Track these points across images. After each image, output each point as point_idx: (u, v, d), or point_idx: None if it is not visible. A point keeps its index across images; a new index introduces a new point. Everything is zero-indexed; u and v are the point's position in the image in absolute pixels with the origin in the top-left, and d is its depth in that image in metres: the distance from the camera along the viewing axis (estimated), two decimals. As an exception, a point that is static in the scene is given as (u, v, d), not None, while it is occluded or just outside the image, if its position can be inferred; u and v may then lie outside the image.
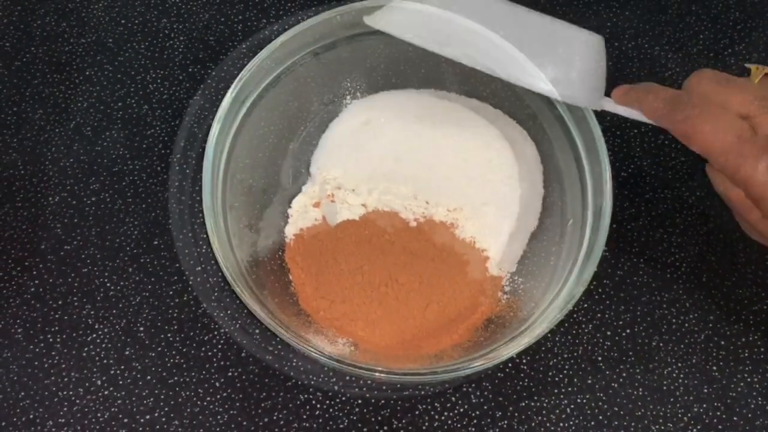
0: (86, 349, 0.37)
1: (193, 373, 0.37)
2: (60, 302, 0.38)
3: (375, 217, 0.38)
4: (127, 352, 0.37)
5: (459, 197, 0.38)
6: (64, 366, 0.37)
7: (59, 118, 0.43)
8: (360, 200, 0.38)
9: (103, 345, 0.38)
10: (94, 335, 0.38)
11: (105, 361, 0.37)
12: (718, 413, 0.37)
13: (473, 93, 0.41)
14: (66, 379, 0.37)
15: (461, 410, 0.37)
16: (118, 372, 0.37)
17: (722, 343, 0.38)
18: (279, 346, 0.37)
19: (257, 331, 0.38)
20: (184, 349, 0.38)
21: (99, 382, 0.37)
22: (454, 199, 0.38)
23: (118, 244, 0.40)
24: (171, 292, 0.39)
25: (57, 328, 0.38)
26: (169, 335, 0.38)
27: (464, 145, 0.39)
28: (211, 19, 0.45)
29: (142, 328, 0.38)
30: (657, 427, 0.37)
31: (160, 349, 0.38)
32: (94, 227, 0.40)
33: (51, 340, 0.38)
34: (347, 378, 0.37)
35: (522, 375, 0.37)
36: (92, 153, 0.42)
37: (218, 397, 0.37)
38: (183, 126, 0.42)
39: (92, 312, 0.38)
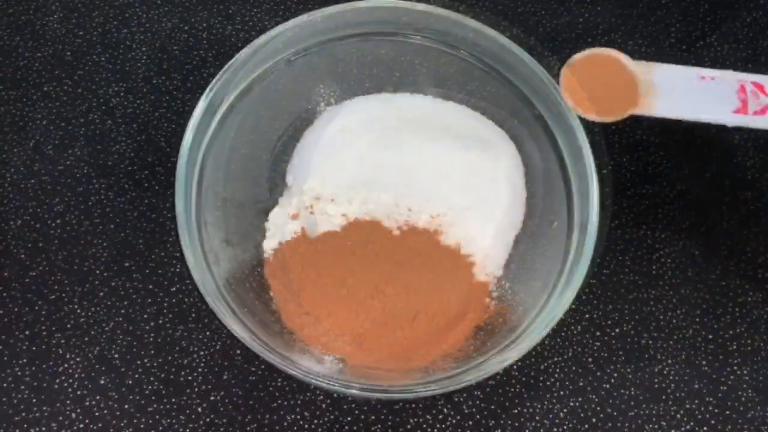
0: (58, 380, 0.35)
1: (173, 400, 0.35)
2: (27, 332, 0.36)
3: (357, 227, 0.36)
4: (102, 381, 0.36)
5: (441, 202, 0.37)
6: (35, 400, 0.35)
7: (17, 137, 0.40)
8: (340, 210, 0.37)
9: (76, 375, 0.36)
10: (66, 365, 0.36)
11: (79, 392, 0.35)
12: (710, 408, 0.37)
13: (449, 95, 0.40)
14: (38, 414, 0.35)
15: (454, 421, 0.36)
16: (93, 403, 0.35)
17: (710, 337, 0.38)
18: (262, 367, 0.36)
19: (238, 352, 0.36)
20: (163, 375, 0.36)
21: (74, 415, 0.35)
22: (436, 204, 0.37)
23: (87, 268, 0.38)
24: (146, 316, 0.37)
25: (25, 360, 0.36)
26: (146, 361, 0.36)
27: (444, 148, 0.38)
28: (174, 28, 0.44)
29: (117, 355, 0.36)
30: (650, 426, 0.36)
31: (137, 376, 0.36)
32: (60, 251, 0.38)
33: (19, 373, 0.36)
34: (334, 396, 0.36)
35: (513, 381, 0.37)
36: (54, 173, 0.40)
37: (201, 423, 0.35)
38: (150, 140, 0.41)
39: (63, 341, 0.36)
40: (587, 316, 0.38)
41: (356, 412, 0.36)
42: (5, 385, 0.35)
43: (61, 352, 0.36)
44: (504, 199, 0.38)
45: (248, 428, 0.35)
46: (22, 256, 0.38)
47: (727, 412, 0.36)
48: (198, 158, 0.35)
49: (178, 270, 0.38)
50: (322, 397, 0.36)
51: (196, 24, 0.44)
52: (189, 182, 0.35)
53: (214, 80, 0.36)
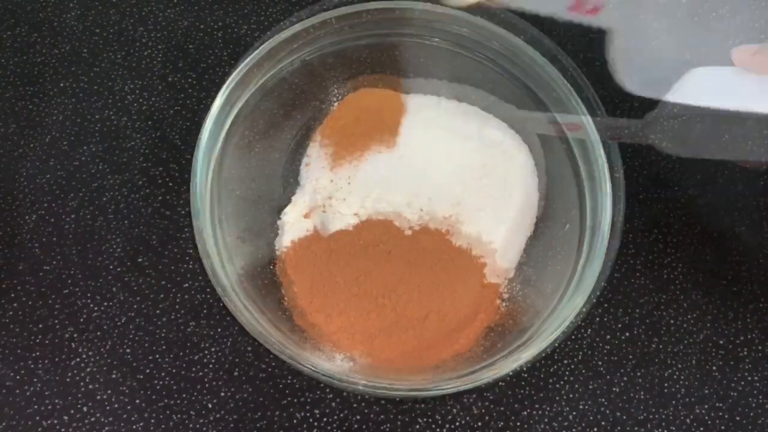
0: (70, 374, 0.36)
1: (184, 395, 0.36)
2: (41, 326, 0.37)
3: (369, 226, 0.36)
4: (113, 376, 0.36)
5: (454, 203, 0.37)
6: (47, 393, 0.35)
7: (33, 132, 0.41)
8: (353, 209, 0.37)
9: (88, 369, 0.36)
10: (78, 359, 0.36)
11: (91, 386, 0.36)
12: (720, 413, 0.36)
13: (463, 97, 0.40)
14: (50, 407, 0.35)
15: (463, 422, 0.36)
16: (104, 397, 0.35)
17: (721, 342, 0.38)
18: (273, 364, 0.36)
19: (249, 349, 0.37)
20: (174, 370, 0.36)
21: (85, 409, 0.35)
22: (448, 205, 0.37)
23: (101, 263, 0.38)
24: (158, 312, 0.37)
25: (38, 353, 0.36)
26: (157, 356, 0.36)
27: (456, 149, 0.38)
28: (190, 26, 0.44)
29: (128, 350, 0.36)
30: (660, 430, 0.36)
31: (148, 371, 0.36)
32: (75, 246, 0.38)
33: (32, 366, 0.36)
34: (344, 394, 0.36)
35: (523, 383, 0.37)
36: (69, 168, 0.40)
37: (211, 419, 0.35)
38: (164, 138, 0.41)
39: (75, 335, 0.36)
40: (597, 319, 0.38)
41: (365, 411, 0.36)
42: (18, 377, 0.36)
43: (73, 346, 0.36)
44: (516, 201, 0.38)
45: (258, 425, 0.35)
46: (37, 250, 0.38)
47: (737, 418, 0.36)
48: (214, 155, 0.36)
49: (190, 267, 0.38)
50: (331, 396, 0.36)
51: (211, 23, 0.44)
52: (204, 179, 0.35)
53: (230, 78, 0.36)
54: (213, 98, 0.41)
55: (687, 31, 0.34)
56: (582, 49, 0.44)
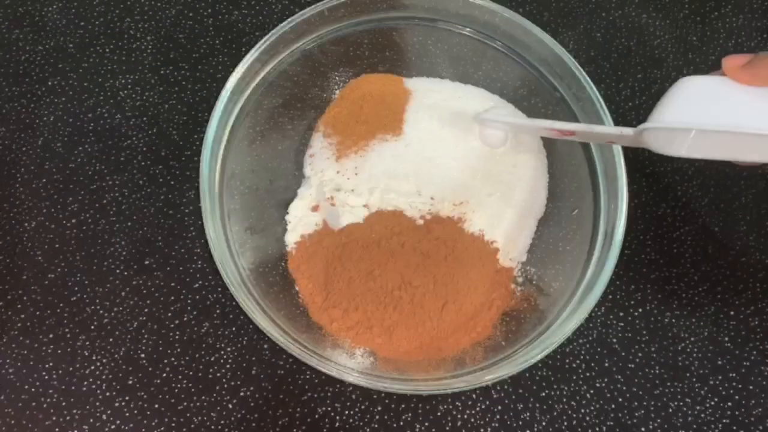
0: (86, 382, 0.35)
1: (203, 397, 0.35)
2: (51, 335, 0.36)
3: (380, 218, 0.36)
4: (130, 382, 0.35)
5: (463, 190, 0.37)
6: (64, 404, 0.35)
7: (25, 135, 0.39)
8: (361, 201, 0.36)
9: (104, 377, 0.35)
10: (93, 367, 0.36)
11: (108, 394, 0.35)
12: (734, 384, 0.37)
13: (467, 78, 0.39)
14: (68, 417, 0.35)
15: (483, 407, 0.36)
16: (123, 403, 0.35)
17: (732, 313, 0.38)
18: (290, 360, 0.36)
19: (266, 346, 0.36)
20: (191, 372, 0.36)
21: (104, 417, 0.35)
22: (458, 192, 0.37)
23: (107, 267, 0.37)
24: (170, 314, 0.37)
25: (51, 363, 0.35)
26: (173, 359, 0.36)
27: (463, 134, 0.38)
28: (178, 14, 0.42)
29: (143, 355, 0.36)
30: (675, 403, 0.37)
31: (165, 374, 0.36)
32: (78, 251, 0.37)
33: (47, 377, 0.35)
34: (363, 386, 0.36)
35: (540, 364, 0.37)
36: (66, 171, 0.39)
37: (232, 419, 0.35)
38: (161, 134, 0.40)
39: (87, 343, 0.36)
40: (610, 297, 0.38)
41: (386, 401, 0.36)
42: (34, 390, 0.35)
43: (86, 354, 0.36)
44: (525, 184, 0.37)
45: (280, 422, 0.35)
46: (40, 258, 0.37)
47: (751, 387, 0.37)
48: (219, 152, 0.35)
49: (199, 266, 0.37)
50: (351, 388, 0.36)
51: (200, 10, 0.42)
52: (211, 176, 0.34)
53: (232, 74, 0.35)
54: (208, 90, 0.40)
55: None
56: (582, 22, 0.43)
